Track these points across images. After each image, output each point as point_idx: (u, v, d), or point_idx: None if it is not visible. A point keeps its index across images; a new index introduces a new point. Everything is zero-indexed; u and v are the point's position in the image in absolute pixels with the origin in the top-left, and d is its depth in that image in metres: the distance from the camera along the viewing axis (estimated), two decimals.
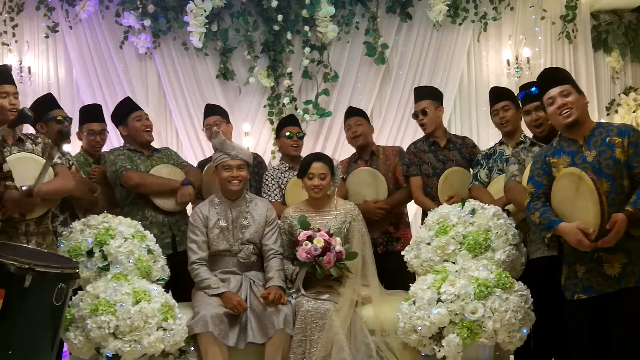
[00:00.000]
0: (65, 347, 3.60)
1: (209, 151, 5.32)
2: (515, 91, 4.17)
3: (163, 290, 3.49)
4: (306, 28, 5.89)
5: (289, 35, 5.89)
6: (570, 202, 2.95)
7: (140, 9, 5.82)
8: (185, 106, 6.02)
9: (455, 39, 6.09)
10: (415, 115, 4.39)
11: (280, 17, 5.80)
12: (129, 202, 4.11)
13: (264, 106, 6.01)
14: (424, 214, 4.06)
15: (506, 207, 3.72)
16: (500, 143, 4.10)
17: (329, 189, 3.87)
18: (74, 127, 4.40)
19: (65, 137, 3.35)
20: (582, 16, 6.12)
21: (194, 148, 6.00)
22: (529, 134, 3.97)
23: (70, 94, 5.98)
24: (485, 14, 6.06)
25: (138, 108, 4.34)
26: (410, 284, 3.51)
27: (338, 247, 3.64)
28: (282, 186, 4.35)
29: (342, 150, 5.79)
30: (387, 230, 4.35)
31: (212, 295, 3.60)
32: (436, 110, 4.33)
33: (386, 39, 6.01)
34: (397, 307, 3.48)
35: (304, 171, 3.84)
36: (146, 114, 4.34)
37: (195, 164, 4.87)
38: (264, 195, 4.30)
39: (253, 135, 5.97)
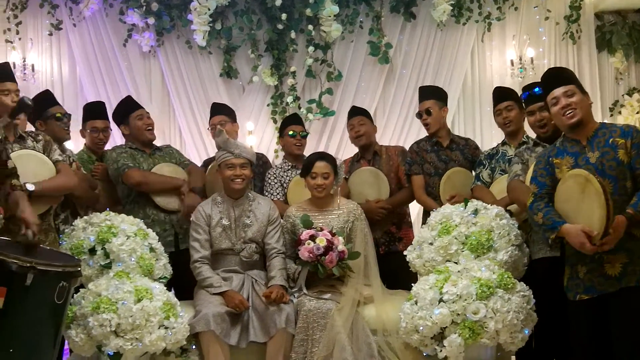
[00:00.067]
0: (67, 345, 3.60)
1: (212, 150, 5.32)
2: (519, 91, 4.16)
3: (165, 288, 3.48)
4: (310, 27, 5.89)
5: (292, 34, 5.89)
6: (574, 203, 2.94)
7: (144, 7, 5.83)
8: (188, 104, 6.03)
9: (459, 38, 6.09)
10: (419, 115, 4.38)
11: (284, 16, 5.81)
12: (131, 200, 4.10)
13: (268, 105, 6.02)
14: (426, 214, 4.06)
15: (508, 208, 3.71)
16: (503, 143, 4.08)
17: (332, 188, 3.86)
18: (77, 125, 4.40)
19: (23, 107, 3.20)
20: (586, 17, 6.11)
21: (197, 146, 6.00)
22: (532, 135, 3.96)
23: (73, 92, 5.99)
24: (489, 14, 6.06)
25: (139, 107, 4.32)
26: (413, 284, 3.51)
27: (340, 247, 3.64)
28: (285, 185, 4.34)
29: (345, 149, 5.79)
30: (389, 230, 4.34)
31: (214, 293, 3.59)
32: (440, 110, 4.32)
33: (390, 38, 6.01)
34: (399, 307, 3.47)
35: (307, 170, 3.84)
36: (147, 113, 4.32)
37: (198, 162, 4.86)
38: (267, 193, 4.29)
39: (256, 134, 5.98)
